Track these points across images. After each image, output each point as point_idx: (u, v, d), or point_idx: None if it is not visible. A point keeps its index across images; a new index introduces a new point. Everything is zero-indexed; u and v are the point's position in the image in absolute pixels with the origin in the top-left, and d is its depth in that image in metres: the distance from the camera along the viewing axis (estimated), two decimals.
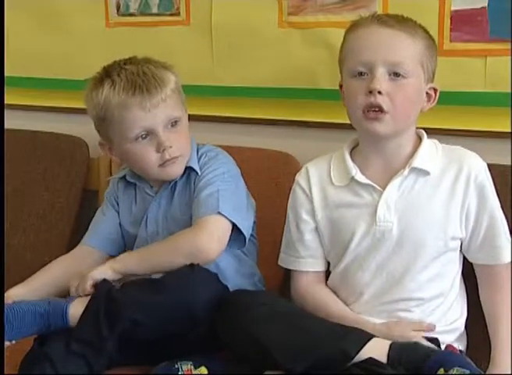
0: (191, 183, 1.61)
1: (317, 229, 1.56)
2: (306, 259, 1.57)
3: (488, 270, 1.51)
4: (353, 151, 1.56)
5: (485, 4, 1.60)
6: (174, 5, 1.96)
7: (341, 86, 1.54)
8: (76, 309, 1.44)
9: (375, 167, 1.52)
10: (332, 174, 1.55)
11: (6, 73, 2.04)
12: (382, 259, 1.49)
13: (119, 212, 1.71)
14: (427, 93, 1.50)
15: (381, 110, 1.44)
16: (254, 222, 1.65)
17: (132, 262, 1.53)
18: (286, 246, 1.60)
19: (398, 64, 1.43)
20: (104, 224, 1.71)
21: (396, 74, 1.44)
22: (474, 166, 1.48)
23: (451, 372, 1.26)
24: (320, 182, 1.56)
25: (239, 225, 1.55)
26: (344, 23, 1.73)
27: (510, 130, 1.62)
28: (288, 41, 1.82)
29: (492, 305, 1.50)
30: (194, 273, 1.46)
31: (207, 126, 1.91)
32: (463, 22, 1.62)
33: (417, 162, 1.48)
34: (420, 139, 1.52)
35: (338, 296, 1.54)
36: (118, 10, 2.05)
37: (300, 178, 1.59)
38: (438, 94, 1.51)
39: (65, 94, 2.15)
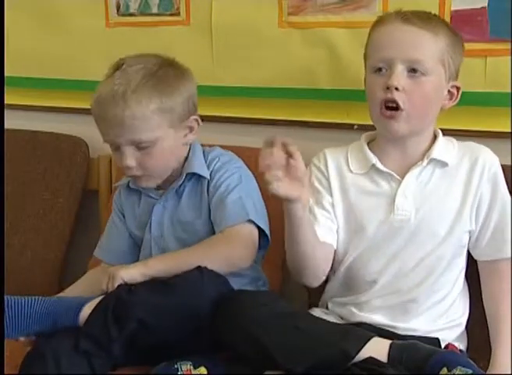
0: (203, 189, 1.60)
1: (333, 206, 1.56)
2: (325, 230, 1.54)
3: (492, 266, 1.51)
4: (370, 144, 1.58)
5: (485, 4, 1.60)
6: (174, 5, 1.96)
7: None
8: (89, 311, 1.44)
9: (393, 159, 1.54)
10: (349, 162, 1.57)
11: (6, 73, 2.04)
12: (396, 248, 1.50)
13: (125, 220, 1.71)
14: (449, 91, 1.51)
15: (397, 107, 1.45)
16: None
17: (162, 268, 1.49)
18: None
19: (417, 62, 1.45)
20: (116, 238, 1.71)
21: (415, 71, 1.45)
22: (488, 158, 1.51)
23: (454, 371, 1.26)
24: (337, 167, 1.57)
25: (265, 230, 1.55)
26: (344, 23, 1.74)
27: (510, 130, 1.62)
28: (288, 41, 1.82)
29: (494, 303, 1.51)
30: (203, 276, 1.45)
31: (207, 126, 1.90)
32: (463, 22, 1.62)
33: (435, 153, 1.50)
34: (435, 136, 1.54)
35: (350, 285, 1.55)
36: (118, 10, 2.04)
37: (316, 160, 1.60)
38: (460, 92, 1.52)
39: (65, 94, 2.15)
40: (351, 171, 1.56)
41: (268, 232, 1.56)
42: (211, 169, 1.61)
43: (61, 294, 1.66)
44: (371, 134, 1.59)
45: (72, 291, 1.67)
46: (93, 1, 2.07)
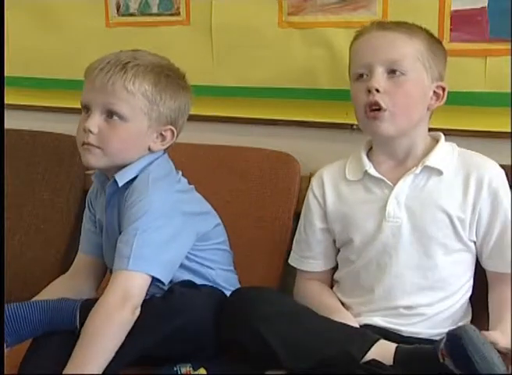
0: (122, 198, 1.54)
1: (325, 230, 1.59)
2: (308, 260, 1.62)
3: (498, 277, 1.49)
4: (369, 152, 1.58)
5: (485, 4, 1.60)
6: (174, 5, 1.96)
7: None
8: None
9: (388, 165, 1.54)
10: (346, 170, 1.57)
11: (6, 73, 2.04)
12: (390, 255, 1.49)
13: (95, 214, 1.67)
14: (434, 92, 1.50)
15: (380, 108, 1.46)
16: (220, 227, 1.63)
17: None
18: (295, 244, 1.66)
19: (395, 62, 1.46)
20: (88, 228, 1.69)
21: (394, 71, 1.46)
22: (489, 171, 1.48)
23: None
24: (333, 180, 1.58)
25: (151, 273, 1.44)
26: (344, 23, 1.75)
27: (510, 130, 1.62)
28: (288, 41, 1.82)
29: (497, 307, 1.48)
30: (201, 293, 1.46)
31: (207, 126, 1.91)
32: (463, 22, 1.63)
33: (430, 161, 1.49)
34: (436, 142, 1.53)
35: (348, 292, 1.55)
36: (118, 10, 2.05)
37: (314, 182, 1.62)
38: (446, 92, 1.51)
39: (65, 94, 2.15)
40: (346, 179, 1.56)
41: (161, 276, 1.45)
42: (133, 185, 1.52)
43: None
44: (370, 141, 1.59)
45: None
46: (93, 1, 2.07)
